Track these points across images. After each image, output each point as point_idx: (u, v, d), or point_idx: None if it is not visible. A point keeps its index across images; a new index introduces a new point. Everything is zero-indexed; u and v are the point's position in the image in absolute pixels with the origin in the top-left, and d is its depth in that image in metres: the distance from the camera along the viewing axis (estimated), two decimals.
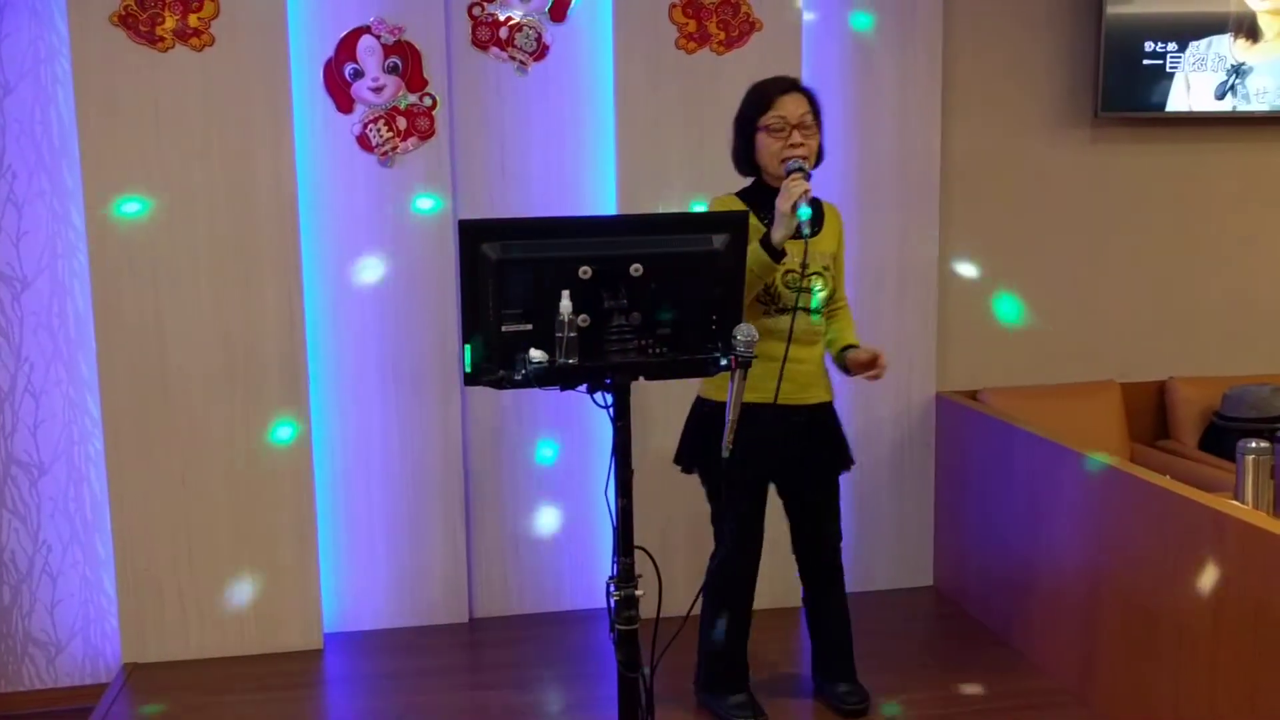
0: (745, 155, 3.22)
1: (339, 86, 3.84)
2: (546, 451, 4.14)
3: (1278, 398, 4.34)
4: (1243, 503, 3.19)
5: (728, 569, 3.29)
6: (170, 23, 3.65)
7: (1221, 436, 4.33)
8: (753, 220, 3.15)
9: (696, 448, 3.31)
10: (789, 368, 3.11)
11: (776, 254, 3.02)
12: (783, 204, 2.98)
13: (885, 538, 4.38)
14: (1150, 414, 4.64)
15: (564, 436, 4.14)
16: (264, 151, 3.74)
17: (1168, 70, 4.38)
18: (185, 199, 3.72)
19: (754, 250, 3.00)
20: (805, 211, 2.94)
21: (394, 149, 3.89)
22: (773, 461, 3.26)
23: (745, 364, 2.46)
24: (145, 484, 3.78)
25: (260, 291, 3.79)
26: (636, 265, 2.39)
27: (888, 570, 4.39)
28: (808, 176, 3.03)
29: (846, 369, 3.30)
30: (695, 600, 2.93)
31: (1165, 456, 4.32)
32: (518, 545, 4.18)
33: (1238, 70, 4.41)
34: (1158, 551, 3.09)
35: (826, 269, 3.24)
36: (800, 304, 3.16)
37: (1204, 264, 4.64)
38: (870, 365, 3.21)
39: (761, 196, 3.18)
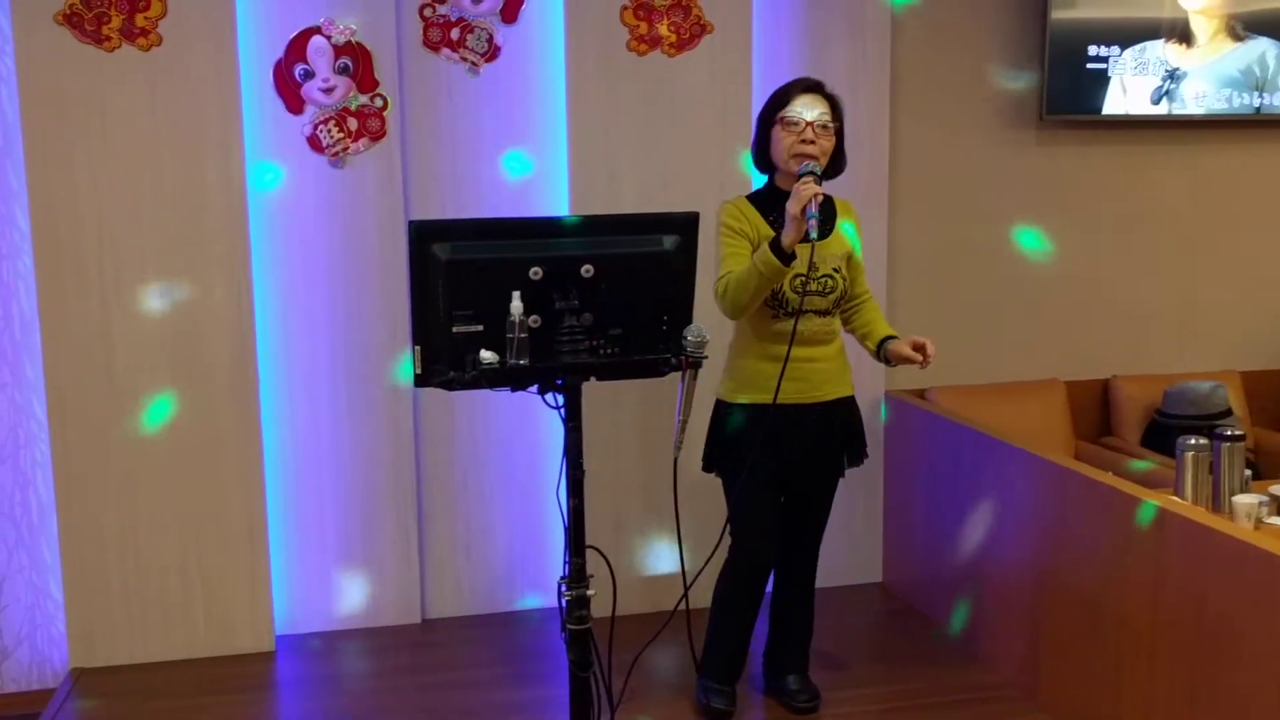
0: (761, 149, 3.25)
1: (289, 87, 3.82)
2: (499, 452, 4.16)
3: (1217, 395, 4.43)
4: (1183, 498, 3.25)
5: (735, 567, 3.33)
6: (116, 22, 3.62)
7: (1163, 433, 4.40)
8: (763, 227, 3.19)
9: (714, 448, 3.32)
10: (801, 367, 3.15)
11: (786, 258, 3.00)
12: (793, 207, 2.97)
13: (834, 535, 4.36)
14: (1094, 411, 4.71)
15: (515, 437, 4.15)
16: (213, 152, 3.71)
17: (1109, 75, 4.46)
18: (133, 200, 3.69)
19: (764, 254, 3.01)
20: (813, 214, 2.94)
21: (345, 150, 3.88)
22: (782, 459, 3.25)
23: (695, 364, 2.48)
24: (92, 487, 3.74)
25: (209, 292, 3.76)
26: (587, 266, 2.41)
27: (837, 567, 4.41)
28: (819, 181, 3.05)
29: (887, 360, 3.30)
30: (681, 599, 2.91)
31: (1108, 453, 4.40)
32: (470, 546, 4.17)
33: (1173, 75, 4.49)
34: (1100, 547, 3.15)
35: (837, 270, 3.24)
36: (805, 307, 3.17)
37: (1146, 265, 4.73)
38: (917, 359, 3.20)
39: (772, 198, 3.22)
